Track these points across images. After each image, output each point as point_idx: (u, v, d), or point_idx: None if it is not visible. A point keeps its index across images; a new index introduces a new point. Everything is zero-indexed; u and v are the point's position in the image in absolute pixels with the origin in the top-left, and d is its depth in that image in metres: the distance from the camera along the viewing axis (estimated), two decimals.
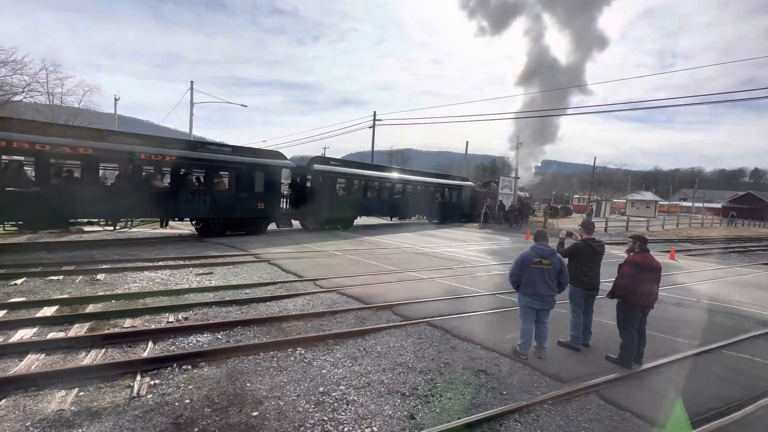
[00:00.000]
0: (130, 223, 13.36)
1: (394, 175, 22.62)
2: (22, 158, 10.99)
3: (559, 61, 35.94)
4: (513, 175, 31.11)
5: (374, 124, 33.69)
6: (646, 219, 37.16)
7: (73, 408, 3.56)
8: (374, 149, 34.59)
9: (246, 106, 35.73)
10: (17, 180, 10.82)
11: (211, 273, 9.00)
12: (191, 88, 27.53)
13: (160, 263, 9.73)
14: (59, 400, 3.65)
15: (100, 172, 12.49)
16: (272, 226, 16.83)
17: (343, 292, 7.84)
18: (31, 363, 4.38)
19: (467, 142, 43.00)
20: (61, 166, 11.85)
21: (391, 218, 23.96)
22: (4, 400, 3.62)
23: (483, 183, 34.19)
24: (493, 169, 77.28)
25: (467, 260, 12.42)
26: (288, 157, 17.32)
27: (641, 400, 4.23)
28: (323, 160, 19.12)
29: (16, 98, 25.67)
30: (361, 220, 22.02)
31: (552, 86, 32.50)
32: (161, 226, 14.93)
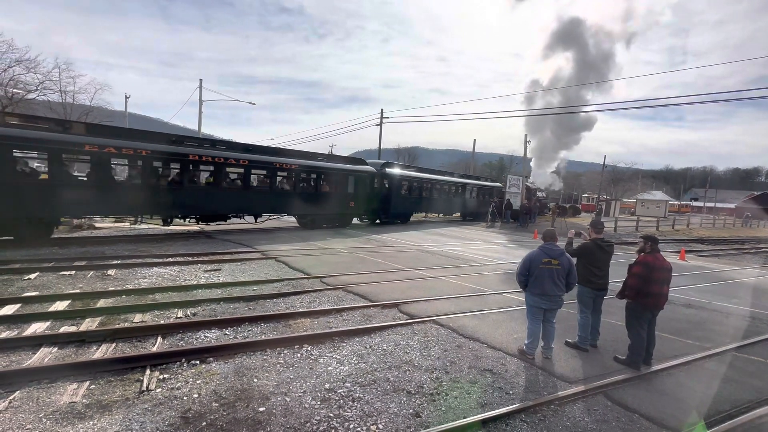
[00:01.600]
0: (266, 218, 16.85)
1: (443, 177, 25.89)
2: (211, 168, 14.21)
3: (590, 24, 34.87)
4: (522, 174, 30.87)
5: (381, 122, 33.67)
6: (656, 219, 36.62)
7: (84, 401, 3.63)
8: (381, 147, 34.58)
9: (254, 103, 36.00)
10: (199, 185, 14.21)
11: (219, 270, 9.09)
12: (200, 86, 27.75)
13: (169, 259, 9.85)
14: (71, 393, 3.72)
15: (251, 177, 15.46)
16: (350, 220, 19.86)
17: (350, 289, 7.86)
18: (44, 356, 4.47)
19: (474, 140, 42.79)
20: (229, 173, 14.94)
21: (438, 215, 27.32)
22: (18, 392, 3.70)
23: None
24: (501, 167, 76.75)
25: (473, 259, 12.36)
26: None
27: (650, 402, 4.18)
28: (392, 165, 22.30)
29: (30, 96, 26.13)
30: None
31: (583, 52, 32.05)
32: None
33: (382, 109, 33.44)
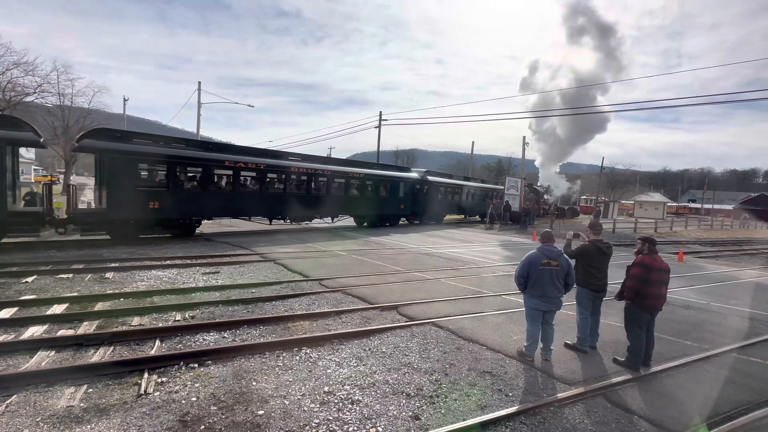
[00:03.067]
0: (337, 219, 19.43)
1: (471, 183, 30.14)
2: (304, 178, 16.76)
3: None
4: (522, 176, 30.91)
5: (380, 125, 33.70)
6: (654, 220, 36.70)
7: (82, 404, 3.61)
8: (380, 149, 34.60)
9: (253, 106, 36.04)
10: (294, 192, 16.44)
11: (218, 272, 9.07)
12: (198, 89, 27.73)
13: (168, 262, 9.82)
14: (69, 397, 3.70)
15: (332, 185, 17.97)
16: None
17: (349, 292, 7.85)
18: (42, 360, 4.44)
19: (473, 142, 42.95)
20: (314, 182, 17.18)
21: (465, 216, 30.17)
22: (15, 395, 3.68)
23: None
24: (499, 169, 77.07)
25: (472, 261, 12.37)
26: None
27: (649, 403, 4.17)
28: (431, 173, 25.69)
29: (28, 99, 26.12)
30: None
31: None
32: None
33: (381, 111, 33.54)
